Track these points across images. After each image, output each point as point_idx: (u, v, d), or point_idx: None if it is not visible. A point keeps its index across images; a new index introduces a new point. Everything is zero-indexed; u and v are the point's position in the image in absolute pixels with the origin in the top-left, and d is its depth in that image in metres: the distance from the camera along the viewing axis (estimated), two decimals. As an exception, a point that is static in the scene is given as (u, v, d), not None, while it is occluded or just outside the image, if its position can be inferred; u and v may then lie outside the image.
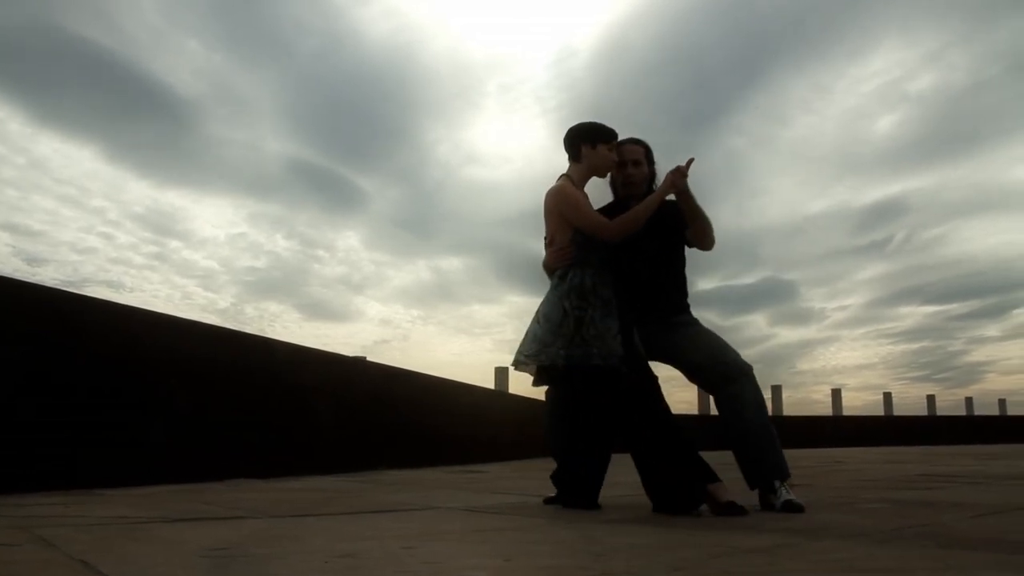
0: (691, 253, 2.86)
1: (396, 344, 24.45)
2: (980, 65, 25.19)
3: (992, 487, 3.72)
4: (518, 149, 27.27)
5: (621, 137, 2.77)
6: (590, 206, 2.66)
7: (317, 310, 25.49)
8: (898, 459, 7.85)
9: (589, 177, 2.72)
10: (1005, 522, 2.22)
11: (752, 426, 2.57)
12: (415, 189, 27.20)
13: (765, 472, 2.55)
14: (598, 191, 2.84)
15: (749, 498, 2.56)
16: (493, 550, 1.65)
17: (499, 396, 9.84)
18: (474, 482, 4.41)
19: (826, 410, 17.92)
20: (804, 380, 26.56)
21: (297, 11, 22.49)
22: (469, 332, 25.66)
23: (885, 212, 28.39)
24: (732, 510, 2.29)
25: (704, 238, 2.73)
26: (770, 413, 2.68)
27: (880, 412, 18.68)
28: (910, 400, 26.68)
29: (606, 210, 2.80)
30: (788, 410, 16.51)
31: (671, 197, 2.61)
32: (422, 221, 27.62)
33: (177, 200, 23.78)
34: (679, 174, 2.54)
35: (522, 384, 13.90)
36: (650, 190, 2.77)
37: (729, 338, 2.73)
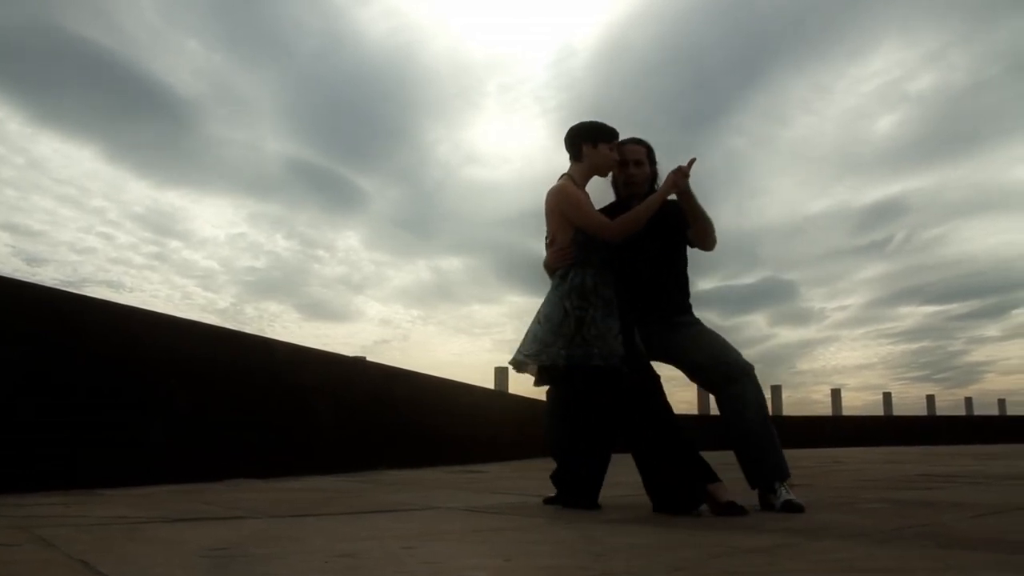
0: (691, 253, 2.86)
1: (396, 344, 24.48)
2: (980, 65, 25.23)
3: (992, 487, 3.72)
4: (518, 149, 27.31)
5: (623, 137, 2.77)
6: (591, 206, 2.66)
7: (317, 310, 25.52)
8: (898, 459, 7.85)
9: (590, 176, 2.71)
10: (1005, 522, 2.22)
11: (753, 426, 2.57)
12: (415, 189, 27.23)
13: (766, 472, 2.55)
14: (600, 191, 2.84)
15: (749, 498, 2.56)
16: (493, 550, 1.65)
17: (499, 396, 9.84)
18: (474, 482, 4.41)
19: (826, 410, 17.93)
20: (804, 380, 26.60)
21: (297, 11, 22.51)
22: (469, 332, 25.69)
23: (885, 212, 28.43)
24: (732, 510, 2.30)
25: (706, 238, 2.73)
26: (770, 413, 2.68)
27: (880, 412, 18.69)
28: (910, 400, 26.68)
29: (608, 210, 2.79)
30: (788, 410, 16.51)
31: (673, 197, 2.61)
32: (422, 221, 27.64)
33: (177, 200, 23.81)
34: (681, 174, 2.54)
35: (522, 384, 13.91)
36: (652, 190, 2.76)
37: (729, 338, 2.73)
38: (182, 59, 21.10)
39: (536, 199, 2.79)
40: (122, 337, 3.69)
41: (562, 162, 2.76)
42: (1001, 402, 20.56)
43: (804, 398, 30.67)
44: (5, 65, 17.38)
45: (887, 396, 18.91)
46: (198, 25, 20.72)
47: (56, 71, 18.51)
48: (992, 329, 29.31)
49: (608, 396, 2.49)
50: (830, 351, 27.99)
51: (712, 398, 2.73)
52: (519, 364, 2.63)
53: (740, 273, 25.88)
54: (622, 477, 3.16)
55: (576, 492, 2.61)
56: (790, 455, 2.67)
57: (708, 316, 2.86)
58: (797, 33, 25.14)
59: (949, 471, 5.25)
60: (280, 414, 4.79)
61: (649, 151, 2.84)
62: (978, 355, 28.84)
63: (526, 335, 2.63)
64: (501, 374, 10.37)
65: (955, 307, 29.60)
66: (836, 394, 18.05)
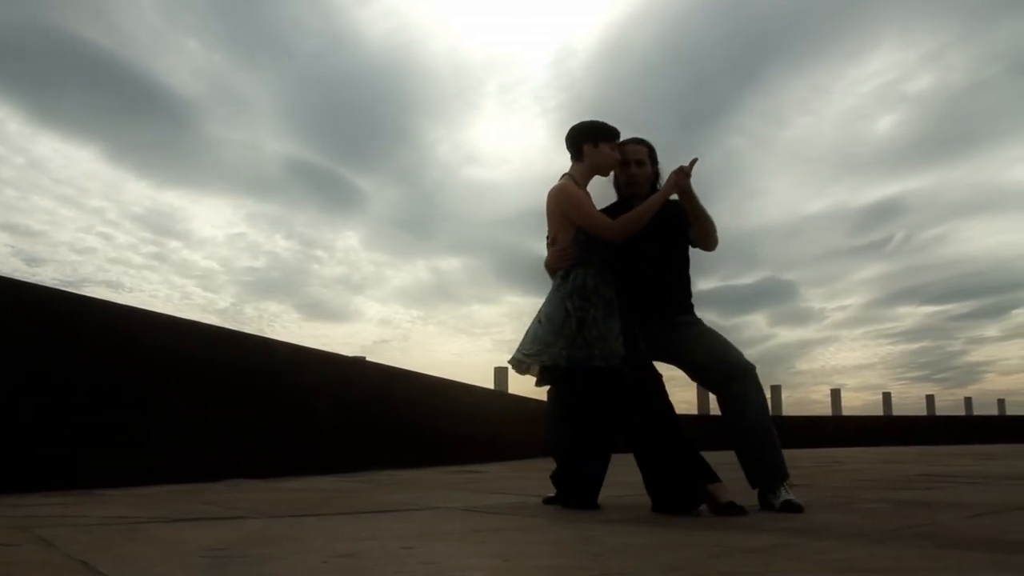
0: (692, 253, 2.86)
1: (396, 344, 24.49)
2: (979, 66, 25.24)
3: (991, 487, 3.73)
4: (517, 149, 27.33)
5: (624, 137, 2.77)
6: (593, 205, 2.65)
7: (316, 310, 25.52)
8: (897, 459, 7.86)
9: (591, 176, 2.71)
10: (1003, 522, 2.22)
11: (754, 426, 2.57)
12: (414, 189, 27.23)
13: (766, 472, 2.55)
14: (601, 191, 2.84)
15: (749, 498, 2.56)
16: (492, 550, 1.65)
17: (499, 396, 9.84)
18: (473, 482, 4.41)
19: (825, 410, 17.95)
20: (803, 380, 26.64)
21: (297, 11, 22.51)
22: (469, 332, 25.70)
23: (884, 212, 28.46)
24: (732, 510, 2.30)
25: (707, 238, 2.73)
26: (769, 413, 2.68)
27: (879, 412, 18.71)
28: (909, 400, 26.73)
29: (609, 210, 2.79)
30: (788, 410, 16.52)
31: (674, 197, 2.61)
32: (421, 221, 27.65)
33: (176, 200, 23.82)
34: (682, 174, 2.54)
35: (522, 384, 13.91)
36: (653, 190, 2.76)
37: (729, 338, 2.73)
38: (182, 59, 21.12)
39: (536, 199, 2.79)
40: (122, 337, 3.69)
41: (562, 162, 2.76)
42: (1000, 402, 20.62)
43: (804, 398, 30.75)
44: (5, 65, 17.40)
45: (887, 396, 18.96)
46: (198, 25, 20.74)
47: (56, 71, 18.54)
48: (991, 329, 29.39)
49: (609, 397, 2.49)
50: (830, 351, 28.05)
51: (712, 398, 2.73)
52: (520, 364, 2.62)
53: (740, 273, 25.92)
54: (622, 477, 3.16)
55: (576, 492, 2.61)
56: (790, 455, 2.67)
57: (708, 316, 2.86)
58: (796, 34, 25.20)
59: (948, 471, 5.25)
60: (280, 414, 4.79)
61: (651, 151, 2.84)
62: (977, 355, 28.91)
63: (526, 334, 2.63)
64: (501, 374, 10.37)
65: (954, 307, 29.68)
66: (836, 394, 18.09)
